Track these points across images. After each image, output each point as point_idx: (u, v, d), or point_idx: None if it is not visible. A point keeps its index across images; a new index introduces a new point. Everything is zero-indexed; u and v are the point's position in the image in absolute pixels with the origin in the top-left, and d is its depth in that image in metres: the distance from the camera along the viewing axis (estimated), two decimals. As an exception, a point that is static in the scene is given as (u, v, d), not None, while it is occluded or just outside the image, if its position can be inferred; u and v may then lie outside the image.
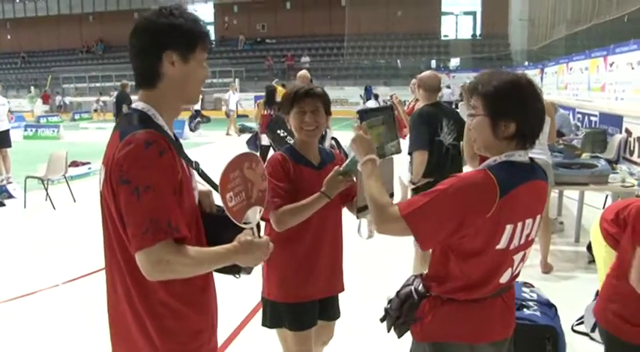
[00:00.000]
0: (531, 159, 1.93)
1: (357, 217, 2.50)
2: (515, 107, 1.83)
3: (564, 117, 11.32)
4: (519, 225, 1.86)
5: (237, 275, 1.88)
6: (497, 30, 34.88)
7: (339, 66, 34.41)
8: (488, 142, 1.89)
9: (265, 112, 9.09)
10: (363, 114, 2.19)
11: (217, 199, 1.94)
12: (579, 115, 13.57)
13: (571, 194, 6.94)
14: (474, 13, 38.13)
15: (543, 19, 26.32)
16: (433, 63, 33.53)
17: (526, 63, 27.29)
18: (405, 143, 7.14)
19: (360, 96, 25.58)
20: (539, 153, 4.60)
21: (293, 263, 2.60)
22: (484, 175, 1.80)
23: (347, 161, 2.41)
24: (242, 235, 1.74)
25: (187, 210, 1.73)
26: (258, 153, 8.83)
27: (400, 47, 35.72)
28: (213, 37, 35.87)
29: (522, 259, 1.96)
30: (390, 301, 2.08)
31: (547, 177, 2.01)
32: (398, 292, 2.07)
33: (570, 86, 15.28)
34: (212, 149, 14.65)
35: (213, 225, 1.86)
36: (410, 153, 4.40)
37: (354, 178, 2.43)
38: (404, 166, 7.43)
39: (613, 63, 11.58)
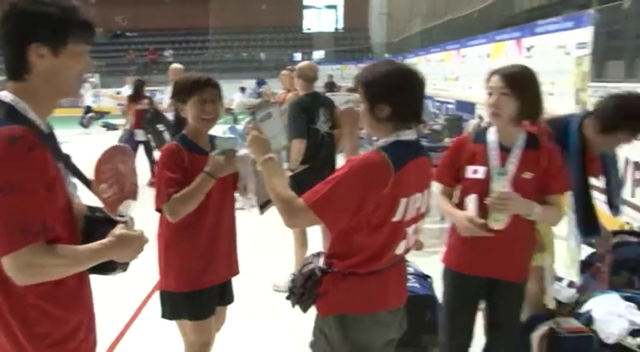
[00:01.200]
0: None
1: (261, 214, 2.59)
2: (387, 91, 2.00)
3: (424, 106, 12.04)
4: (412, 198, 2.04)
5: (113, 274, 1.81)
6: (359, 23, 36.07)
7: (203, 59, 33.79)
8: (372, 125, 2.07)
9: (138, 107, 8.80)
10: (255, 115, 2.25)
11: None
12: (437, 103, 14.49)
13: (435, 176, 7.40)
14: (335, 7, 39.10)
15: (401, 14, 27.65)
16: (297, 56, 33.99)
17: (386, 55, 28.47)
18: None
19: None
20: None
21: (194, 251, 2.62)
22: (376, 155, 1.96)
23: (220, 141, 2.48)
24: (116, 229, 1.68)
25: (60, 208, 1.64)
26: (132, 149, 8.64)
27: (264, 40, 35.83)
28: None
29: (415, 231, 2.14)
30: (293, 280, 2.19)
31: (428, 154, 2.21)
32: (300, 270, 2.17)
33: (428, 76, 16.11)
34: (68, 148, 13.81)
35: (85, 226, 1.79)
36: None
37: (237, 156, 2.49)
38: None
39: (465, 55, 12.49)
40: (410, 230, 2.10)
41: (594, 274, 3.48)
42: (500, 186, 2.42)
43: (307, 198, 1.93)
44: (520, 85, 2.45)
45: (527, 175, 2.49)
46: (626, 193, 5.26)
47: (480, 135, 2.64)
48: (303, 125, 4.45)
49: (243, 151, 2.49)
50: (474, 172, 2.59)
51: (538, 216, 2.49)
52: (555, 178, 2.53)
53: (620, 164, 5.35)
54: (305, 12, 38.79)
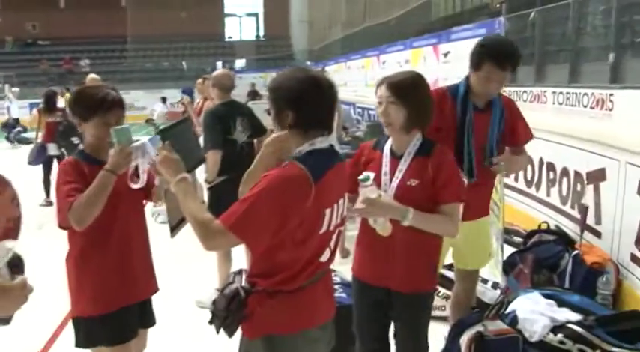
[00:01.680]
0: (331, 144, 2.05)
1: (172, 236, 2.45)
2: (289, 97, 1.94)
3: (346, 112, 12.13)
4: (335, 207, 1.98)
5: None
6: (280, 31, 36.11)
7: (122, 69, 32.83)
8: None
9: (50, 119, 8.39)
10: (164, 133, 2.09)
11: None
12: (359, 110, 14.64)
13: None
14: (256, 15, 38.99)
15: (321, 21, 27.91)
16: (219, 64, 33.66)
17: (307, 62, 28.63)
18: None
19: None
20: None
21: (106, 268, 2.45)
22: (292, 167, 1.87)
23: (116, 133, 2.24)
24: None
25: None
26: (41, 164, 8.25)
27: (185, 49, 35.22)
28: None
29: (338, 235, 2.08)
30: (215, 302, 2.04)
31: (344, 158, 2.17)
32: (222, 291, 2.03)
33: (350, 83, 16.41)
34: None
35: None
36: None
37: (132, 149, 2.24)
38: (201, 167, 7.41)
39: (385, 61, 12.69)
40: (334, 236, 2.05)
41: (517, 275, 3.55)
42: (368, 191, 2.34)
43: (225, 219, 1.82)
44: (406, 93, 2.40)
45: (413, 182, 2.44)
46: (541, 193, 5.45)
47: (380, 142, 2.62)
48: (219, 135, 4.31)
49: (139, 141, 2.28)
50: None
51: (414, 223, 2.36)
52: (444, 187, 2.43)
53: (535, 163, 5.57)
54: (226, 20, 38.46)
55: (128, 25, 33.15)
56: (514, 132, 3.17)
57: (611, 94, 4.50)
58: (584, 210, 4.16)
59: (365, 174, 2.38)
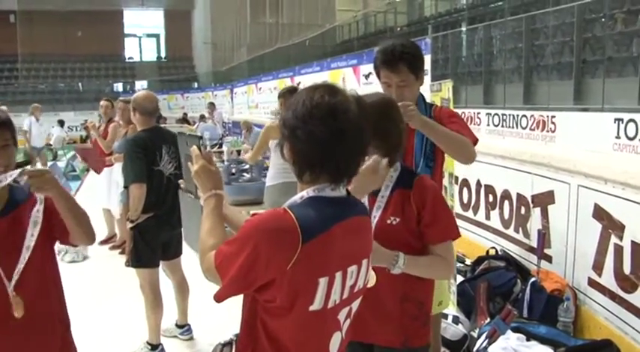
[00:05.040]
0: (348, 192, 1.60)
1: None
2: (289, 126, 1.48)
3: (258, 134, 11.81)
4: (338, 276, 1.48)
5: None
6: (183, 52, 35.44)
7: (13, 90, 30.75)
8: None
9: None
10: (198, 140, 1.76)
11: None
12: (274, 132, 14.38)
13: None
14: (157, 36, 38.00)
15: (227, 43, 27.59)
16: (119, 86, 32.41)
17: (213, 84, 28.11)
18: (112, 172, 6.52)
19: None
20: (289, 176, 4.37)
21: None
22: (282, 215, 1.43)
23: None
24: None
25: None
26: None
27: (83, 70, 33.66)
28: None
29: (349, 315, 1.59)
30: None
31: (367, 210, 1.75)
32: None
33: (261, 105, 16.11)
34: None
35: None
36: (125, 187, 3.83)
37: None
38: (113, 198, 6.77)
39: (299, 83, 12.50)
40: (342, 316, 1.55)
41: (505, 316, 3.30)
42: None
43: (216, 255, 1.47)
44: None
45: (394, 220, 2.04)
46: (480, 216, 5.35)
47: None
48: (142, 167, 3.75)
49: None
50: None
51: (405, 269, 1.98)
52: (431, 226, 2.03)
53: (472, 186, 5.48)
54: (126, 40, 37.14)
55: (18, 42, 31.08)
56: None
57: (553, 116, 4.46)
58: (541, 235, 4.04)
59: None
